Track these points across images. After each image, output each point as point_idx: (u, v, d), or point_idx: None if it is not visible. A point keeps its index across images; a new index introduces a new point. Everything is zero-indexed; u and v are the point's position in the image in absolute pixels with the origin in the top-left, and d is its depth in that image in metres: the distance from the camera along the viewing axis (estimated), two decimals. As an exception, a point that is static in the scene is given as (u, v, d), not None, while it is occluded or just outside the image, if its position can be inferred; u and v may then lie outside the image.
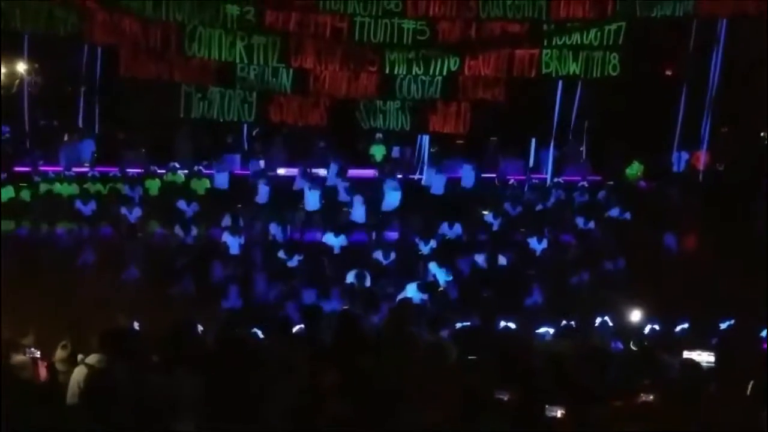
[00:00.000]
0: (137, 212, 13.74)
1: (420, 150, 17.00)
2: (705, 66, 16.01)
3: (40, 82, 18.94)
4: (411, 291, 10.91)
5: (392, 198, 14.31)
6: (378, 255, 12.32)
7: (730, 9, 14.14)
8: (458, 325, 8.35)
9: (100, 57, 15.87)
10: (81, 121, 16.88)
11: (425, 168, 15.77)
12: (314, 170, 15.22)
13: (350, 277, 11.36)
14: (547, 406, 4.72)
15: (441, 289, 11.40)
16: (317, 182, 14.45)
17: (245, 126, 16.50)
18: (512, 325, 9.41)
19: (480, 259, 12.29)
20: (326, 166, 15.63)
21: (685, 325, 8.28)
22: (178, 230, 13.21)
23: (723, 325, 8.60)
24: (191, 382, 5.11)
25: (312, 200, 14.04)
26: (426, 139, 16.25)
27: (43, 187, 14.14)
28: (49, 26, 12.14)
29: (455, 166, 16.35)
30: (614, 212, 14.53)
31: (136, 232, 13.53)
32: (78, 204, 13.81)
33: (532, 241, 13.12)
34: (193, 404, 4.82)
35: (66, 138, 16.99)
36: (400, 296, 10.82)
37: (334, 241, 12.71)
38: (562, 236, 13.90)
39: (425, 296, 10.91)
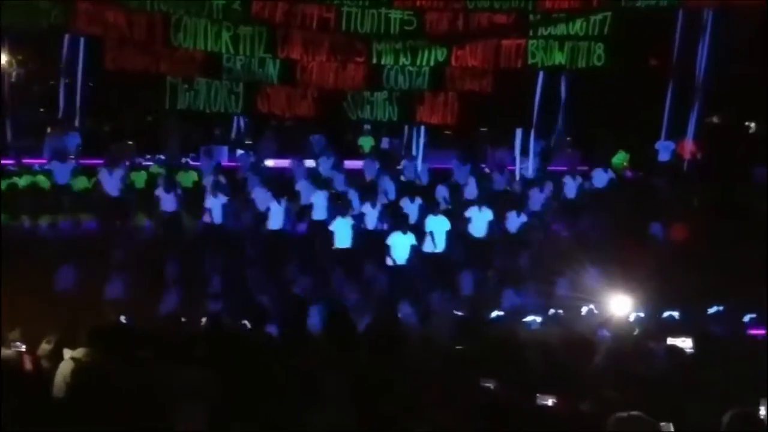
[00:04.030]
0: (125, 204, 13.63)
1: (410, 141, 16.95)
2: (691, 55, 16.07)
3: (24, 75, 18.77)
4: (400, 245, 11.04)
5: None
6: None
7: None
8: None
9: (84, 49, 15.69)
10: (64, 113, 16.70)
11: (404, 161, 15.62)
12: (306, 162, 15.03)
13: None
14: (538, 395, 4.74)
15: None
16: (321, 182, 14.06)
17: (235, 118, 16.37)
18: (500, 314, 9.48)
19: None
20: (316, 157, 15.50)
21: (671, 313, 8.35)
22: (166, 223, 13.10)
23: (711, 310, 8.67)
24: (183, 376, 5.10)
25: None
26: (422, 130, 16.14)
27: (26, 180, 14.00)
28: (34, 20, 12.03)
29: (443, 157, 16.32)
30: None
31: (122, 225, 13.45)
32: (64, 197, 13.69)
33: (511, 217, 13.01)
34: (185, 399, 4.81)
35: (50, 131, 16.83)
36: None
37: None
38: (553, 226, 13.93)
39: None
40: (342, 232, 11.95)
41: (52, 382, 5.44)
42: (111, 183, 13.49)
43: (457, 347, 6.43)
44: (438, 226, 11.99)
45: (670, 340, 6.15)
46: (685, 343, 6.11)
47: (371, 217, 12.48)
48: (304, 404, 4.88)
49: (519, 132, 16.06)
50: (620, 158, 16.85)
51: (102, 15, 12.30)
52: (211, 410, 4.79)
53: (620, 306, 8.07)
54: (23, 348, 6.33)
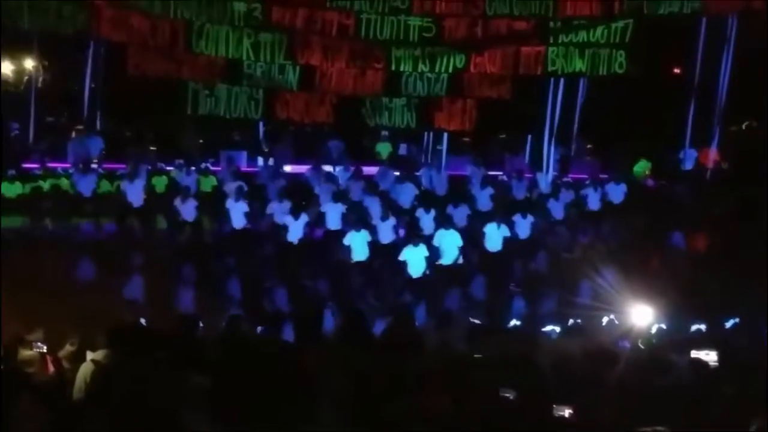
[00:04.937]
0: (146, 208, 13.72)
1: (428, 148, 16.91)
2: (715, 63, 15.91)
3: (48, 79, 19.00)
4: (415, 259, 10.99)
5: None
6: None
7: (736, 5, 14.11)
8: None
9: (107, 53, 15.83)
10: (87, 117, 16.86)
11: (423, 168, 15.53)
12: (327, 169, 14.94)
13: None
14: (554, 406, 4.70)
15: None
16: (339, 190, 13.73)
17: (259, 123, 16.42)
18: (518, 323, 9.44)
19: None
20: (334, 163, 15.47)
21: (694, 325, 8.26)
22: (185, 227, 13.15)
23: (728, 324, 8.57)
24: (200, 379, 5.12)
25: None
26: (444, 137, 16.12)
27: (49, 183, 14.16)
28: (58, 24, 12.21)
29: (461, 164, 16.27)
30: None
31: (142, 229, 13.55)
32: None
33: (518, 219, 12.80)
34: (202, 401, 4.83)
35: (74, 134, 17.01)
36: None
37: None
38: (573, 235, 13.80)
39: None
40: (357, 246, 11.81)
41: (73, 384, 5.50)
42: (134, 191, 13.61)
43: (476, 355, 6.40)
44: (448, 240, 11.77)
45: (693, 353, 6.07)
46: (709, 356, 6.04)
47: (386, 230, 12.31)
48: (318, 408, 4.89)
49: (538, 139, 15.98)
50: (641, 166, 16.71)
51: (126, 21, 12.47)
52: (225, 413, 4.82)
53: (641, 317, 7.99)
54: (44, 349, 6.40)
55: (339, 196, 13.30)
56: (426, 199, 13.77)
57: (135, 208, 13.66)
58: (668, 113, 17.11)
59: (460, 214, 13.18)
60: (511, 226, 12.58)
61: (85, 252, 12.58)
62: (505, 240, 12.37)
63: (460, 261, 11.88)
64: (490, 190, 14.21)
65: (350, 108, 13.97)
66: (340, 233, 12.29)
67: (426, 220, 12.69)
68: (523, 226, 12.76)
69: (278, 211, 12.77)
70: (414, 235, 11.95)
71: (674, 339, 7.71)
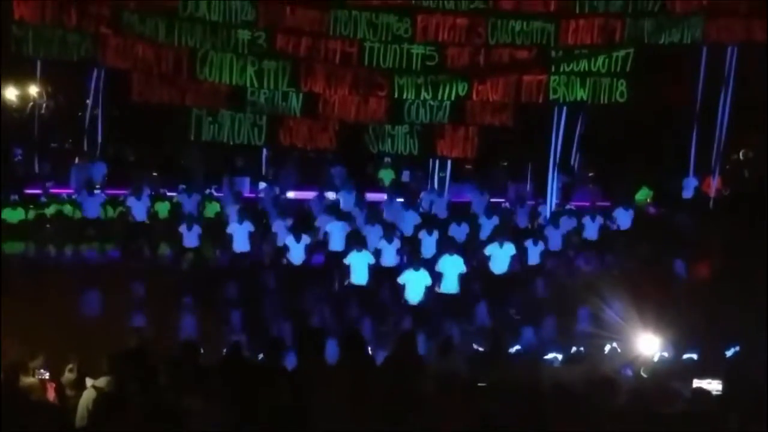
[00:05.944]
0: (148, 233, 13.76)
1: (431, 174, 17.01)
2: (716, 92, 16.02)
3: (52, 105, 19.17)
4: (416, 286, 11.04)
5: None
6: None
7: (738, 35, 14.25)
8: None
9: (111, 80, 15.98)
10: (89, 144, 16.98)
11: (423, 192, 15.62)
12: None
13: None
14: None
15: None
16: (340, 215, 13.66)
17: (263, 150, 16.52)
18: (519, 350, 9.41)
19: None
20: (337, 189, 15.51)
21: (695, 355, 8.22)
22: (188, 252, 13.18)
23: (729, 353, 8.53)
24: (202, 404, 5.10)
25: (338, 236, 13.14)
26: (447, 164, 16.23)
27: (53, 209, 14.21)
28: (63, 52, 12.34)
29: (464, 191, 16.33)
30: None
31: (144, 254, 13.56)
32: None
33: (529, 245, 12.84)
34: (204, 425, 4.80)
35: (77, 160, 17.12)
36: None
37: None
38: (575, 262, 13.79)
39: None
40: (358, 268, 11.83)
41: (75, 411, 5.47)
42: (139, 208, 13.68)
43: (479, 384, 6.37)
44: (451, 266, 11.72)
45: (696, 382, 6.05)
46: (711, 385, 6.02)
47: (389, 253, 12.30)
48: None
49: (541, 167, 16.04)
50: (643, 194, 16.75)
51: (131, 49, 12.59)
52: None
53: (645, 345, 7.96)
54: (47, 376, 6.38)
55: (339, 216, 13.34)
56: (428, 222, 13.80)
57: (137, 234, 13.70)
58: (669, 141, 17.19)
59: (462, 232, 13.26)
60: (517, 249, 12.59)
61: (88, 277, 12.59)
62: (509, 264, 12.37)
63: (464, 284, 11.87)
64: (494, 219, 14.22)
65: (353, 135, 14.06)
66: (342, 256, 12.31)
67: (428, 242, 12.71)
68: (532, 252, 12.79)
69: (280, 230, 12.81)
70: (416, 259, 11.95)
71: (677, 367, 7.68)
